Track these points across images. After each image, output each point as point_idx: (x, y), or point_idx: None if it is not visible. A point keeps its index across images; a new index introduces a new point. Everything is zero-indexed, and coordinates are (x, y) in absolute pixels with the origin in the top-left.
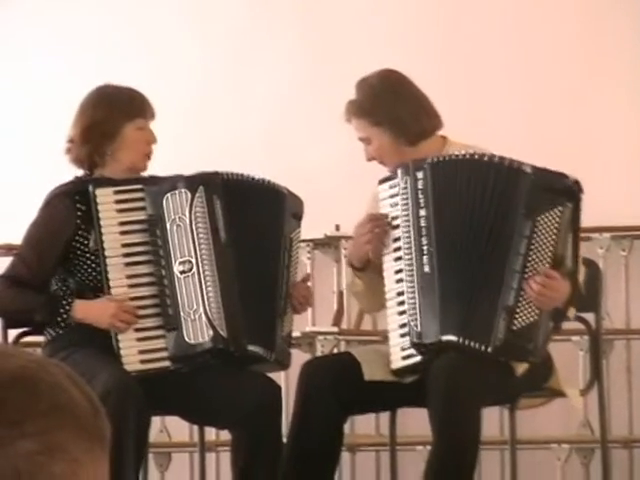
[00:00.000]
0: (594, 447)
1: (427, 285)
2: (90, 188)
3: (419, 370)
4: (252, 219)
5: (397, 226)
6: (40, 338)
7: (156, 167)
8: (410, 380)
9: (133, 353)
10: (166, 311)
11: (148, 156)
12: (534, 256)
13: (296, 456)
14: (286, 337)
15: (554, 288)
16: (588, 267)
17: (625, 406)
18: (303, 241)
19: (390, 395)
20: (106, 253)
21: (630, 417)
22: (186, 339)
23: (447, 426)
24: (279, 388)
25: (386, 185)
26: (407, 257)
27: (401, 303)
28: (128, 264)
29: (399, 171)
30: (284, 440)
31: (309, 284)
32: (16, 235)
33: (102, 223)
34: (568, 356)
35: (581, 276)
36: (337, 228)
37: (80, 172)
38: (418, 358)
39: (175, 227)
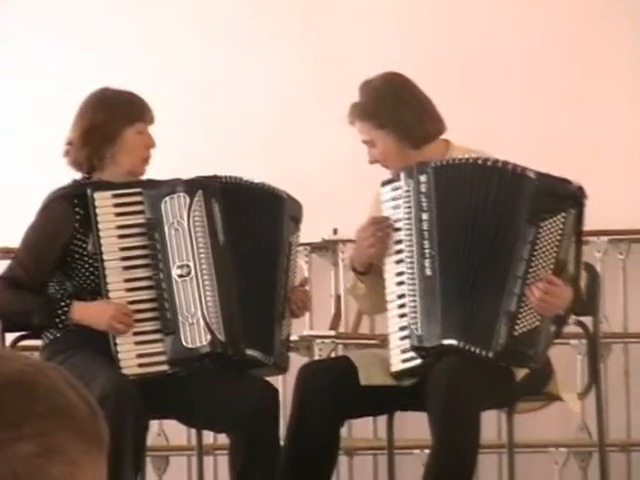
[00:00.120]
0: (592, 451)
1: (428, 288)
2: (88, 192)
3: (418, 373)
4: (251, 223)
5: (399, 229)
6: (38, 342)
7: (156, 168)
8: (409, 383)
9: (131, 357)
10: (164, 315)
11: (147, 160)
12: (537, 262)
13: (293, 459)
14: (284, 341)
15: (556, 294)
16: (586, 271)
17: (623, 410)
18: (301, 245)
19: (387, 399)
20: (104, 257)
21: (628, 421)
22: (184, 343)
23: (447, 430)
24: (277, 392)
25: (388, 187)
26: (409, 260)
27: (402, 306)
28: (126, 268)
29: (402, 174)
30: (281, 443)
31: (307, 288)
32: (14, 238)
33: (100, 227)
34: (566, 360)
35: (582, 282)
36: (335, 232)
37: (78, 175)
38: (418, 361)
39: (173, 231)
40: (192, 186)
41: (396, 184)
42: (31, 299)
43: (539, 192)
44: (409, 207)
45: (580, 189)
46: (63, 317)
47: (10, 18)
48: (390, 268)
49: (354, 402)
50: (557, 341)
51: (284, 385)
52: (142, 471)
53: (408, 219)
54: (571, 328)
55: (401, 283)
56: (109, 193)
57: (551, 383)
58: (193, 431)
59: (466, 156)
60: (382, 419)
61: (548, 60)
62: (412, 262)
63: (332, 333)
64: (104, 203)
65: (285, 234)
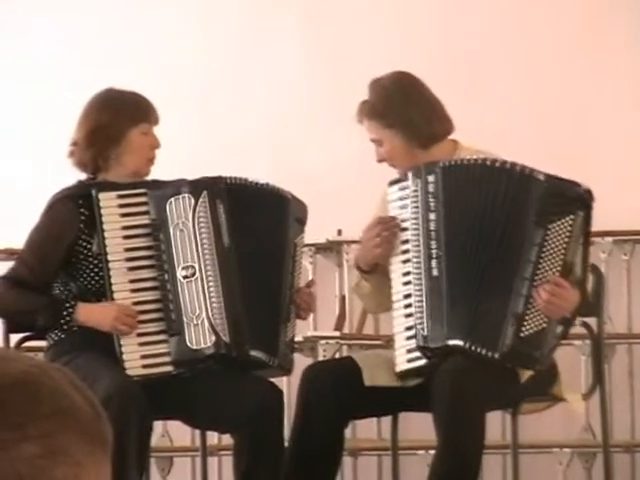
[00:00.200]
0: (596, 451)
1: (435, 289)
2: (93, 192)
3: (424, 373)
4: (256, 224)
5: (406, 229)
6: (42, 343)
7: (158, 168)
8: (414, 384)
9: (135, 358)
10: (169, 316)
11: (151, 161)
12: (544, 264)
13: (297, 460)
14: (289, 342)
15: (563, 297)
16: (591, 272)
17: (627, 410)
18: (305, 246)
19: (391, 400)
20: (109, 257)
21: (632, 421)
22: (188, 344)
23: (452, 431)
24: (281, 392)
25: (396, 187)
26: (415, 260)
27: (408, 306)
28: (131, 269)
29: (410, 174)
30: (286, 444)
31: (313, 290)
32: (18, 240)
33: (105, 227)
34: (570, 360)
35: (589, 285)
36: (339, 233)
37: (83, 176)
38: (423, 361)
39: (178, 232)
40: (197, 187)
41: (403, 184)
42: (36, 299)
43: (547, 194)
44: (416, 207)
45: (588, 192)
46: (68, 318)
47: (11, 18)
48: (397, 268)
49: (358, 403)
50: (561, 342)
51: (288, 386)
52: (146, 472)
53: (415, 219)
54: (575, 329)
55: (407, 283)
56: (114, 194)
57: (556, 385)
58: (197, 432)
59: (474, 157)
60: (386, 420)
61: (551, 60)
62: (419, 262)
63: (336, 334)
64: (109, 204)
65: (290, 235)
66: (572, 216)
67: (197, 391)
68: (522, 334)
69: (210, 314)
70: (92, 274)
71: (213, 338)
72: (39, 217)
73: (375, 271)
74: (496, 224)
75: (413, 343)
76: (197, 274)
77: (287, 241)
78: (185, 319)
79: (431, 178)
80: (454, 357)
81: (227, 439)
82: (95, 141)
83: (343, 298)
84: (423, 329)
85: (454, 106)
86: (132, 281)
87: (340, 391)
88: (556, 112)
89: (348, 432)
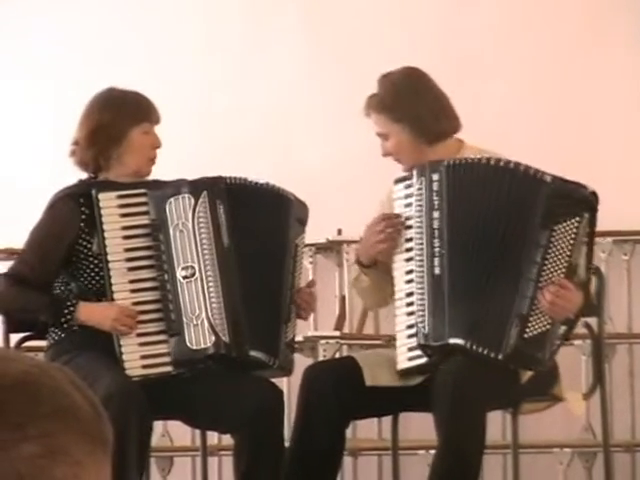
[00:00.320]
0: (596, 451)
1: (437, 287)
2: (93, 192)
3: (425, 372)
4: (256, 224)
5: (410, 227)
6: (42, 343)
7: (159, 168)
8: (415, 383)
9: (135, 358)
10: (169, 316)
11: (153, 160)
12: (549, 265)
13: (298, 460)
14: (289, 343)
15: (567, 298)
16: (593, 273)
17: (627, 410)
18: (305, 245)
19: (392, 400)
20: (109, 257)
21: (632, 421)
22: (188, 344)
23: (453, 430)
24: (281, 392)
25: (401, 185)
26: (418, 258)
27: (410, 304)
28: (131, 269)
29: (415, 172)
30: (286, 444)
31: (313, 290)
32: (18, 239)
33: (105, 227)
34: (571, 360)
35: (592, 286)
36: (339, 232)
37: (84, 175)
38: (424, 359)
39: (178, 232)
40: (197, 187)
41: (409, 182)
42: (37, 297)
43: (554, 195)
44: (420, 205)
45: (594, 194)
46: (69, 317)
47: (11, 18)
48: (400, 266)
49: (359, 403)
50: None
51: (288, 386)
52: (146, 472)
53: (419, 217)
54: (576, 328)
55: (410, 281)
56: (114, 194)
57: (556, 385)
58: (197, 432)
59: (479, 156)
60: (386, 419)
61: (551, 61)
62: (421, 260)
63: (337, 334)
64: (109, 204)
65: (291, 236)
66: (578, 218)
67: (197, 391)
68: (526, 335)
69: (210, 314)
70: (92, 274)
71: (213, 338)
72: (40, 216)
73: (375, 266)
74: (499, 223)
75: (414, 341)
76: (197, 274)
77: (288, 241)
78: (185, 319)
79: (435, 176)
80: (455, 357)
81: (227, 439)
82: (96, 140)
83: (343, 298)
84: (424, 327)
85: (454, 106)
86: (132, 281)
87: (341, 391)
88: (556, 112)
89: (348, 432)
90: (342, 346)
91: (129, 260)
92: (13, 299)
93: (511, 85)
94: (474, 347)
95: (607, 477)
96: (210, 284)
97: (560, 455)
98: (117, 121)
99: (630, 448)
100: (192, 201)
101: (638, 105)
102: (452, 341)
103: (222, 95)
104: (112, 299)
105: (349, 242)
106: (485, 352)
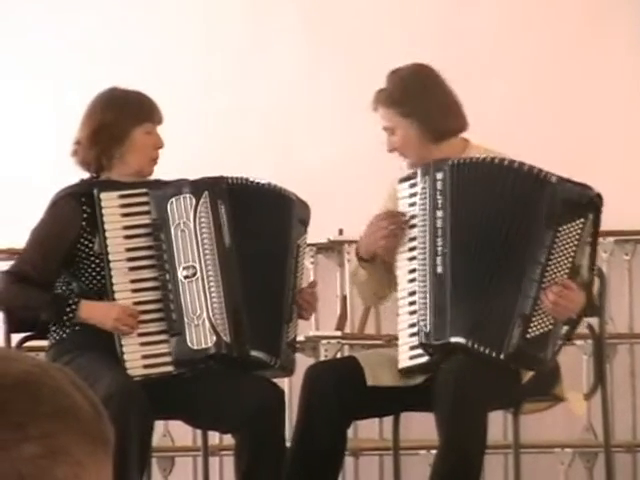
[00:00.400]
0: (597, 451)
1: (439, 286)
2: (95, 192)
3: (426, 371)
4: (258, 224)
5: (414, 226)
6: (43, 343)
7: (161, 168)
8: (416, 382)
9: (136, 358)
10: (170, 316)
11: (155, 161)
12: (553, 266)
13: (299, 460)
14: (291, 343)
15: (570, 298)
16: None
17: (629, 410)
18: (306, 245)
19: (394, 400)
20: (110, 257)
21: (634, 421)
22: (189, 344)
23: (455, 430)
24: (282, 392)
25: (406, 184)
26: (421, 257)
27: (412, 303)
28: (132, 268)
29: (419, 171)
30: (287, 444)
31: (315, 290)
32: (19, 239)
33: (106, 227)
34: (572, 360)
35: (595, 287)
36: (340, 232)
37: (85, 175)
38: (425, 358)
39: (179, 232)
40: (198, 187)
41: (413, 181)
42: (39, 294)
43: (559, 197)
44: (424, 204)
45: (598, 195)
46: (71, 315)
47: (13, 17)
48: (403, 265)
49: (360, 403)
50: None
51: (290, 385)
52: (147, 472)
53: (423, 216)
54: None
55: (413, 280)
56: (115, 194)
57: (558, 385)
58: (198, 432)
59: (483, 155)
60: (388, 419)
61: (551, 60)
62: (424, 259)
63: (338, 334)
64: (110, 204)
65: (294, 236)
66: (582, 219)
67: (198, 391)
68: (528, 335)
69: (211, 314)
70: (94, 273)
71: (214, 338)
72: (42, 214)
73: (374, 261)
74: (503, 223)
75: (416, 340)
76: (198, 274)
77: (290, 242)
78: (186, 319)
79: (439, 175)
80: (456, 356)
81: (228, 439)
82: (99, 140)
83: (344, 298)
84: (425, 325)
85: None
86: (133, 281)
87: (342, 391)
88: (556, 112)
89: (350, 432)
90: (343, 346)
91: (130, 260)
92: (15, 296)
93: (511, 85)
94: (475, 346)
95: (608, 477)
96: (211, 284)
97: (561, 455)
98: (120, 121)
99: (631, 448)
100: (193, 201)
101: (638, 104)
102: (453, 340)
103: (222, 95)
104: (113, 299)
105: (350, 242)
106: (487, 351)
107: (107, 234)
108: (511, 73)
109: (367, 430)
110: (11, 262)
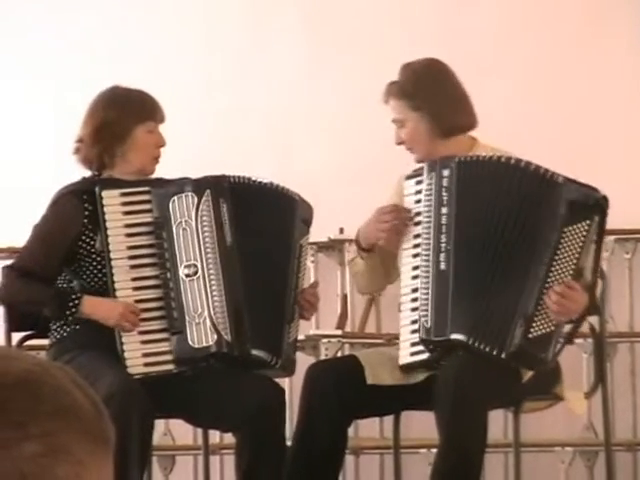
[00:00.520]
0: (598, 450)
1: (441, 282)
2: (97, 190)
3: (427, 367)
4: (260, 223)
5: (419, 222)
6: (44, 341)
7: (163, 167)
8: (416, 381)
9: (137, 356)
10: (171, 314)
11: (157, 159)
12: (557, 267)
13: (300, 459)
14: (292, 343)
15: (573, 299)
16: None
17: (629, 409)
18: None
19: (394, 398)
20: (111, 255)
21: (634, 420)
22: (190, 343)
23: (455, 429)
24: (282, 391)
25: (412, 181)
26: (425, 253)
27: (415, 299)
28: (133, 266)
29: (425, 167)
30: (288, 443)
31: (317, 290)
32: (19, 238)
33: (108, 225)
34: (572, 359)
35: (598, 289)
36: (341, 231)
37: (87, 173)
38: (426, 355)
39: (181, 230)
40: (200, 186)
41: (419, 178)
42: (42, 289)
43: (566, 198)
44: (429, 201)
45: (604, 198)
46: (74, 309)
47: (14, 17)
48: (407, 262)
49: (361, 402)
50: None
51: (290, 384)
52: (148, 471)
53: (428, 212)
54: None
55: (416, 277)
56: (117, 192)
57: (558, 384)
58: (199, 430)
59: (490, 154)
60: (388, 418)
61: (551, 60)
62: (427, 255)
63: (338, 332)
64: (112, 202)
65: (296, 236)
66: (588, 221)
67: (199, 390)
68: (530, 335)
69: (212, 313)
70: (95, 271)
71: (215, 337)
72: (44, 212)
73: (372, 251)
74: (508, 222)
75: (417, 337)
76: (199, 272)
77: (293, 242)
78: (187, 317)
79: (446, 172)
80: (457, 354)
81: (229, 438)
82: (101, 138)
83: (345, 297)
84: (427, 321)
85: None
86: (134, 279)
87: (343, 390)
88: (557, 111)
89: (350, 431)
90: (344, 345)
91: (132, 258)
92: (18, 291)
93: (511, 85)
94: (476, 344)
95: (609, 476)
96: (212, 282)
97: (562, 454)
98: (122, 119)
99: (632, 447)
100: (195, 199)
101: (638, 104)
102: (454, 336)
103: (222, 95)
104: (114, 297)
105: (351, 241)
106: (487, 349)
107: (109, 232)
108: (511, 73)
109: (368, 429)
110: (11, 261)
